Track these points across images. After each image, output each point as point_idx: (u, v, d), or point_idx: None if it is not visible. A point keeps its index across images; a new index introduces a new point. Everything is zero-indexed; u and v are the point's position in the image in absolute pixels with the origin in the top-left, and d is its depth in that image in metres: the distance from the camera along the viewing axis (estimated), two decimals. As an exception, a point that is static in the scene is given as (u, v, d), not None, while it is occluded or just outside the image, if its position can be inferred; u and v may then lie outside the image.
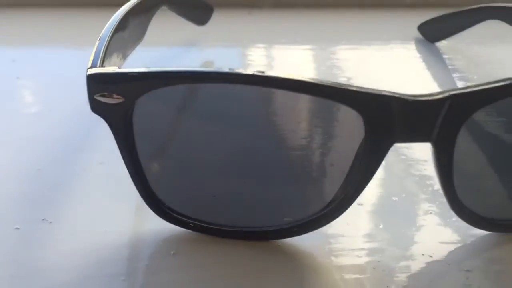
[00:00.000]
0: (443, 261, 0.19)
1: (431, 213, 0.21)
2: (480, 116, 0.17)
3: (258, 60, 0.35)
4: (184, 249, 0.19)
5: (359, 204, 0.21)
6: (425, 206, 0.21)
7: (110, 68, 0.17)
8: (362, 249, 0.19)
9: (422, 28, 0.35)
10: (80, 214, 0.21)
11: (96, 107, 0.17)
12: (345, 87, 0.16)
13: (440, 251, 0.19)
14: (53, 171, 0.23)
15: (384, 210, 0.21)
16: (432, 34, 0.35)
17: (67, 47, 0.35)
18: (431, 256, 0.19)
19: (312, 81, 0.16)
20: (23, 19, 0.39)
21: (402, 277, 0.18)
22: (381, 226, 0.20)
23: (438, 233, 0.20)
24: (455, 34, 0.34)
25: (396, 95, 0.17)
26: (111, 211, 0.21)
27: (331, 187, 0.19)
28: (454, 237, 0.20)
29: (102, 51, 0.18)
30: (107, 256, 0.19)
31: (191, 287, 0.18)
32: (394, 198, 0.22)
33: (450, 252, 0.19)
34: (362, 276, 0.18)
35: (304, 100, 0.18)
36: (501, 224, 0.19)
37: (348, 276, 0.18)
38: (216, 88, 0.17)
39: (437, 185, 0.19)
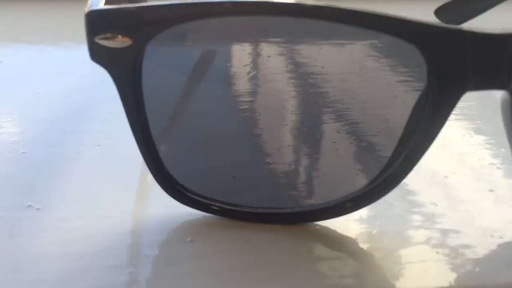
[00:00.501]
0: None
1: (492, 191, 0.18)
2: None
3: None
4: (202, 236, 0.16)
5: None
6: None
7: (114, 5, 0.14)
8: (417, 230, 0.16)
9: (439, 12, 0.33)
10: (72, 199, 0.17)
11: (98, 53, 0.14)
12: (405, 19, 0.13)
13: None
14: (40, 153, 0.20)
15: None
16: (450, 18, 0.32)
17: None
18: (501, 237, 0.16)
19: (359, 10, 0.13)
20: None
21: (470, 262, 0.15)
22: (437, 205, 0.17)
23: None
24: (475, 16, 0.32)
25: (468, 31, 0.13)
26: (110, 195, 0.17)
27: (384, 152, 0.15)
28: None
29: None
30: (107, 245, 0.15)
31: (211, 279, 0.14)
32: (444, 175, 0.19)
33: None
34: (426, 260, 0.15)
35: (347, 44, 0.15)
36: None
37: (409, 261, 0.15)
38: (250, 33, 0.14)
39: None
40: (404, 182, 0.18)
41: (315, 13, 0.13)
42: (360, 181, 0.15)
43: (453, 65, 0.14)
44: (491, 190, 0.18)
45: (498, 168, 0.19)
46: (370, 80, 0.15)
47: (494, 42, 0.14)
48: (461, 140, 0.21)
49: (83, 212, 0.17)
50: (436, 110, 0.14)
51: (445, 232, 0.16)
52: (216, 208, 0.16)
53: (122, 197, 0.17)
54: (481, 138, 0.21)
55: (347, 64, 0.15)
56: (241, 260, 0.15)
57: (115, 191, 0.18)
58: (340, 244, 0.16)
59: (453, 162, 0.20)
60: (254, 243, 0.16)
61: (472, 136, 0.22)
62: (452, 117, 0.23)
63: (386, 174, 0.15)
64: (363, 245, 0.16)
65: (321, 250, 0.16)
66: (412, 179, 0.19)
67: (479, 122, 0.22)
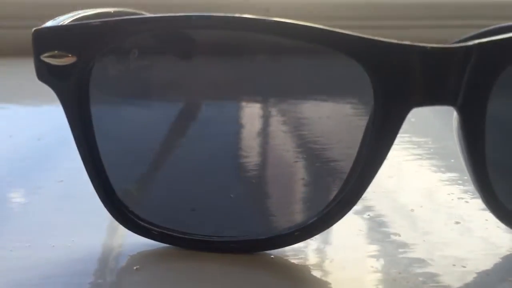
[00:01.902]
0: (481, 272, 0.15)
1: (458, 223, 0.18)
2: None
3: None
4: (150, 265, 0.15)
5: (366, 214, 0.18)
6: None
7: (59, 21, 0.14)
8: (372, 266, 0.15)
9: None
10: (23, 230, 0.17)
11: (44, 72, 0.14)
12: (350, 35, 0.13)
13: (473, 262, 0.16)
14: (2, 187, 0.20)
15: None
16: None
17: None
18: (464, 267, 0.15)
19: (307, 24, 0.13)
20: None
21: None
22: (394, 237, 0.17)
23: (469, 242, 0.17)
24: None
25: (414, 45, 0.13)
26: (61, 226, 0.17)
27: (336, 178, 0.15)
28: (489, 246, 0.16)
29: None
30: (52, 273, 0.15)
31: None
32: (409, 208, 0.18)
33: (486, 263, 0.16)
34: None
35: (297, 68, 0.15)
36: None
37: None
38: (196, 47, 0.14)
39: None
40: (369, 214, 0.18)
41: (255, 27, 0.13)
42: (309, 210, 0.15)
43: (397, 80, 0.14)
44: (457, 222, 0.18)
45: (467, 202, 0.19)
46: (320, 103, 0.15)
47: (441, 56, 0.14)
48: (432, 176, 0.21)
49: (32, 242, 0.16)
50: (383, 128, 0.14)
51: (406, 261, 0.16)
52: (167, 236, 0.16)
53: (73, 228, 0.17)
54: (453, 174, 0.21)
55: (292, 87, 0.15)
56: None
57: (67, 223, 0.17)
58: (292, 273, 0.15)
59: (421, 196, 0.19)
60: (204, 272, 0.15)
61: (444, 173, 0.21)
62: (425, 155, 0.24)
63: (334, 202, 0.15)
64: (317, 273, 0.15)
65: (271, 278, 0.15)
66: (377, 212, 0.18)
67: (452, 160, 0.22)
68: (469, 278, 0.15)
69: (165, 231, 0.15)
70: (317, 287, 0.15)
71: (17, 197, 0.19)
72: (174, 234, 0.16)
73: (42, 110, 0.28)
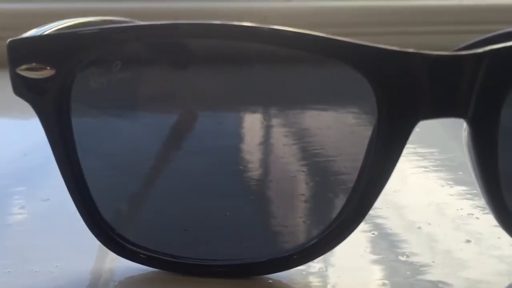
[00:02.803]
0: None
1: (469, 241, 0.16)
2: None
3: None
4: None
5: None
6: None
7: (38, 31, 0.13)
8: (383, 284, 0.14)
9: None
10: (4, 253, 0.16)
11: (20, 86, 0.13)
12: (348, 42, 0.12)
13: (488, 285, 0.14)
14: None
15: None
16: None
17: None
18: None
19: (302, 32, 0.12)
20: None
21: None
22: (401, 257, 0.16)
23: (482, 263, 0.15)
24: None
25: (419, 53, 0.12)
26: (44, 250, 0.16)
27: (338, 196, 0.14)
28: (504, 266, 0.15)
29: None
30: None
31: None
32: (417, 226, 0.17)
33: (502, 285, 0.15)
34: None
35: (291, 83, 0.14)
36: None
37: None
38: (179, 56, 0.13)
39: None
40: (374, 233, 0.17)
41: (252, 35, 0.12)
42: (310, 231, 0.14)
43: (401, 91, 0.12)
44: (468, 241, 0.16)
45: (477, 218, 0.18)
46: (321, 115, 0.14)
47: (449, 64, 0.13)
48: (441, 190, 0.20)
49: (12, 267, 0.15)
50: (387, 144, 0.13)
51: (417, 285, 0.14)
52: (157, 261, 0.15)
53: (58, 252, 0.16)
54: (461, 188, 0.20)
55: (292, 98, 0.14)
56: None
57: (51, 246, 0.16)
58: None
59: (429, 212, 0.18)
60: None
61: (452, 186, 0.20)
62: (431, 167, 0.22)
63: (337, 222, 0.13)
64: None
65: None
66: (383, 230, 0.17)
67: (460, 173, 0.21)
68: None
69: (154, 255, 0.14)
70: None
71: (-1, 217, 0.18)
72: (164, 257, 0.15)
73: (30, 124, 0.27)
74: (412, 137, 0.25)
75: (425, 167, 0.22)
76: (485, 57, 0.13)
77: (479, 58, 0.13)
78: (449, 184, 0.20)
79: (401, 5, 0.44)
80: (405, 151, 0.26)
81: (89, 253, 0.16)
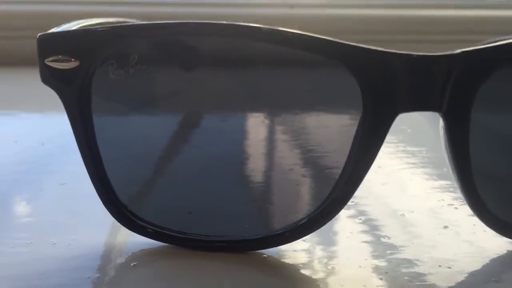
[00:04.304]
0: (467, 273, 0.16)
1: (447, 227, 0.18)
2: (501, 80, 0.14)
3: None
4: (148, 262, 0.16)
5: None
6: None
7: (63, 28, 0.15)
8: (360, 266, 0.16)
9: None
10: (26, 229, 0.17)
11: (48, 75, 0.15)
12: (340, 42, 0.14)
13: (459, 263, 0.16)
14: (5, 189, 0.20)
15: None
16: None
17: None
18: (449, 268, 0.16)
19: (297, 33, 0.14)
20: None
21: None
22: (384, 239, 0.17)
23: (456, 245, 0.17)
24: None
25: (401, 53, 0.14)
26: (63, 226, 0.18)
27: (327, 180, 0.15)
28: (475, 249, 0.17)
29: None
30: (51, 268, 0.15)
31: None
32: (400, 213, 0.19)
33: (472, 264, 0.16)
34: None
35: (288, 77, 0.15)
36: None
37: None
38: (196, 54, 0.15)
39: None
40: (360, 218, 0.18)
41: (252, 34, 0.14)
42: (301, 211, 0.15)
43: (384, 87, 0.14)
44: (445, 227, 0.18)
45: (456, 208, 0.19)
46: (312, 108, 0.16)
47: (427, 64, 0.14)
48: (425, 184, 0.22)
49: (33, 239, 0.17)
50: (371, 133, 0.15)
51: (394, 262, 0.16)
52: (163, 235, 0.16)
53: (74, 227, 0.18)
54: (444, 182, 0.21)
55: (284, 94, 0.15)
56: (181, 284, 0.15)
57: (68, 223, 0.18)
58: (282, 271, 0.16)
59: (413, 202, 0.20)
60: (198, 269, 0.15)
61: (436, 180, 0.22)
62: (419, 164, 0.24)
63: (326, 203, 0.15)
64: (306, 272, 0.16)
65: (262, 276, 0.15)
66: (369, 216, 0.19)
67: (445, 169, 0.22)
68: (454, 278, 0.15)
69: (160, 230, 0.16)
70: (304, 285, 0.15)
71: (20, 197, 0.20)
72: (169, 233, 0.16)
73: (46, 117, 0.29)
74: (402, 136, 0.27)
75: (413, 163, 0.24)
76: (459, 58, 0.14)
77: (453, 59, 0.14)
78: (434, 178, 0.22)
79: (404, 14, 0.46)
80: (395, 149, 0.28)
81: (103, 229, 0.17)
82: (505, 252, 0.17)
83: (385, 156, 0.25)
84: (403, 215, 0.19)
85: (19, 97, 0.33)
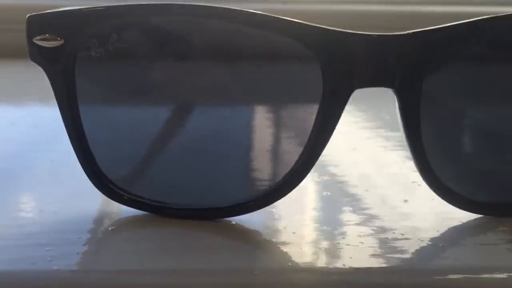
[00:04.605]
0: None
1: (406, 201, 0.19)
2: (449, 59, 0.16)
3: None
4: (125, 226, 0.17)
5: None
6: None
7: (50, 11, 0.16)
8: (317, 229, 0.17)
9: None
10: (19, 198, 0.19)
11: (35, 53, 0.16)
12: (300, 23, 0.15)
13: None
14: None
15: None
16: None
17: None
18: (403, 234, 0.17)
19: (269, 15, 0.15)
20: None
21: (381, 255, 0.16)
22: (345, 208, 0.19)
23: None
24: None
25: (357, 33, 0.15)
26: (51, 195, 0.19)
27: (291, 152, 0.17)
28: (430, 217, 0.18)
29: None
30: (35, 230, 0.17)
31: (123, 255, 0.16)
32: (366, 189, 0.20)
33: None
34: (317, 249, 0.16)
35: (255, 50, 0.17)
36: (476, 204, 0.17)
37: (304, 249, 0.16)
38: (172, 34, 0.16)
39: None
40: (327, 193, 0.20)
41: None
42: (264, 183, 0.17)
43: (341, 64, 0.16)
44: (405, 201, 0.19)
45: (419, 185, 0.20)
46: (277, 86, 0.17)
47: (380, 43, 0.16)
48: (396, 164, 0.23)
49: (24, 206, 0.18)
50: (330, 108, 0.16)
51: (350, 224, 0.17)
52: (137, 202, 0.17)
53: (62, 196, 0.19)
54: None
55: (254, 70, 0.17)
56: (147, 245, 0.16)
57: (56, 194, 0.19)
58: (248, 236, 0.17)
59: (382, 179, 0.21)
60: (170, 233, 0.17)
61: (405, 162, 0.23)
62: (392, 147, 0.25)
63: (287, 176, 0.17)
64: (267, 237, 0.17)
65: (227, 241, 0.17)
66: (339, 191, 0.20)
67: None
68: (404, 243, 0.17)
69: (134, 197, 0.17)
70: (265, 248, 0.17)
71: (13, 172, 0.21)
72: (143, 200, 0.17)
73: (41, 104, 0.31)
74: (380, 122, 0.28)
75: (386, 146, 0.25)
76: (410, 38, 0.16)
77: (405, 39, 0.16)
78: (404, 160, 0.23)
79: (397, 10, 0.47)
80: (372, 133, 0.29)
81: (87, 199, 0.19)
82: (459, 223, 0.18)
83: (362, 140, 0.26)
84: (367, 190, 0.20)
85: (17, 87, 0.34)
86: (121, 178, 0.17)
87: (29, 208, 0.18)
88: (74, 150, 0.17)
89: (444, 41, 0.15)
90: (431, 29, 0.16)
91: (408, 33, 0.16)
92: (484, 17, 0.15)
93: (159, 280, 0.15)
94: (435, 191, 0.17)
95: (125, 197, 0.17)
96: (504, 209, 0.18)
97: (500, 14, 0.15)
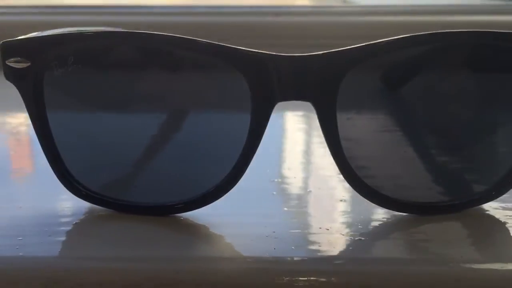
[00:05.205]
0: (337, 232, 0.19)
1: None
2: (360, 76, 0.18)
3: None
4: (85, 219, 0.20)
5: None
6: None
7: (21, 37, 0.19)
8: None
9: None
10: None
11: (8, 73, 0.19)
12: (231, 47, 0.18)
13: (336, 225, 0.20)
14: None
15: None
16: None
17: None
18: (328, 229, 0.19)
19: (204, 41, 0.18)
20: None
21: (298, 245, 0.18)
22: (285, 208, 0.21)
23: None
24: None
25: (272, 54, 0.18)
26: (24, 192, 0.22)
27: (227, 159, 0.19)
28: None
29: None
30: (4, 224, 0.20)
31: (79, 241, 0.19)
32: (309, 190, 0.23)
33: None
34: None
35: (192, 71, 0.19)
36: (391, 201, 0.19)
37: (243, 242, 0.19)
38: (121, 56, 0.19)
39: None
40: (274, 193, 0.22)
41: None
42: (205, 184, 0.19)
43: (264, 82, 0.18)
44: (342, 200, 0.22)
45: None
46: (215, 103, 0.20)
47: (297, 62, 0.18)
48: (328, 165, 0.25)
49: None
50: (257, 118, 0.18)
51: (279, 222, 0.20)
52: (93, 197, 0.20)
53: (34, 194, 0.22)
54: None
55: (193, 89, 0.19)
56: (109, 234, 0.19)
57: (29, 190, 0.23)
58: (193, 230, 0.20)
59: (314, 179, 0.24)
60: (120, 228, 0.19)
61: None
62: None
63: (226, 179, 0.19)
64: (213, 230, 0.19)
65: (175, 234, 0.19)
66: (280, 192, 0.23)
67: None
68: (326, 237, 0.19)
69: (91, 193, 0.20)
70: (210, 240, 0.19)
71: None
72: (98, 196, 0.20)
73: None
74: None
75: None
76: (320, 57, 0.18)
77: (319, 58, 0.18)
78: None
79: (386, 20, 0.48)
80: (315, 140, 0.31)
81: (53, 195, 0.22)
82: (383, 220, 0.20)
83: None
84: (310, 191, 0.23)
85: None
86: (80, 175, 0.20)
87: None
88: (44, 152, 0.20)
89: (349, 60, 0.18)
90: (340, 50, 0.18)
91: (321, 53, 0.18)
92: (382, 40, 0.18)
93: (105, 264, 0.17)
94: (359, 192, 0.20)
95: (83, 192, 0.20)
96: (424, 208, 0.20)
97: (391, 38, 0.18)
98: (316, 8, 0.49)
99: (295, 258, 0.18)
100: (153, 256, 0.18)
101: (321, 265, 0.18)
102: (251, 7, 0.47)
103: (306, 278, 0.17)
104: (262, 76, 0.18)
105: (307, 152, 0.27)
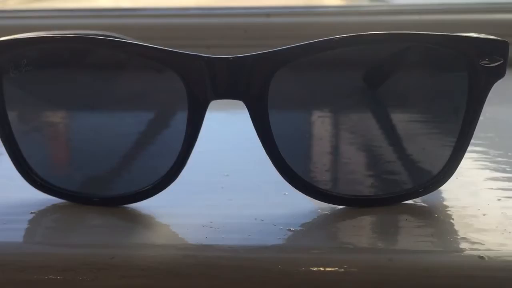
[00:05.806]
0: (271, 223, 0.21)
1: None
2: (291, 75, 0.19)
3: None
4: (43, 210, 0.22)
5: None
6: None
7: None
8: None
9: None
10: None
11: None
12: (170, 51, 0.19)
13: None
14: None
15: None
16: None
17: None
18: (262, 220, 0.21)
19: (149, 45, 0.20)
20: None
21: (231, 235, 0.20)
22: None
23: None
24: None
25: (206, 56, 0.19)
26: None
27: (170, 151, 0.21)
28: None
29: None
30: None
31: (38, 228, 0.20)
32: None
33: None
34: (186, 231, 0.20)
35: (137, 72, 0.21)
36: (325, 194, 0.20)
37: (180, 231, 0.20)
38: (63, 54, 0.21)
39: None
40: (222, 186, 0.23)
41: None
42: (147, 179, 0.21)
43: (199, 83, 0.20)
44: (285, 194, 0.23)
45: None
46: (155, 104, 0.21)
47: (232, 63, 0.19)
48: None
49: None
50: (193, 117, 0.20)
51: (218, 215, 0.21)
52: (49, 189, 0.22)
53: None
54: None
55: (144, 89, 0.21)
56: (58, 223, 0.21)
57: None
58: (141, 219, 0.21)
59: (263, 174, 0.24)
60: (75, 215, 0.21)
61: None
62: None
63: (168, 175, 0.21)
64: (160, 220, 0.21)
65: (123, 223, 0.21)
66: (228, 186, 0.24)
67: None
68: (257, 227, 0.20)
69: (46, 184, 0.22)
70: (157, 229, 0.21)
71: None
72: (53, 188, 0.22)
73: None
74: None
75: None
76: (251, 58, 0.19)
77: (250, 59, 0.19)
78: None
79: (377, 20, 0.49)
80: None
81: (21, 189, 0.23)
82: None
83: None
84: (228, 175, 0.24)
85: None
86: (37, 167, 0.22)
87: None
88: (5, 148, 0.22)
89: (279, 60, 0.19)
90: (270, 51, 0.19)
91: (253, 54, 0.19)
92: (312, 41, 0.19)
93: (46, 249, 0.19)
94: (295, 186, 0.21)
95: (39, 183, 0.22)
96: (358, 201, 0.21)
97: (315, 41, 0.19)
98: (344, 8, 0.49)
99: (224, 246, 0.19)
100: (90, 242, 0.19)
101: (248, 253, 0.19)
102: (278, 8, 0.48)
103: (229, 264, 0.18)
104: (197, 77, 0.20)
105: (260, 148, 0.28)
